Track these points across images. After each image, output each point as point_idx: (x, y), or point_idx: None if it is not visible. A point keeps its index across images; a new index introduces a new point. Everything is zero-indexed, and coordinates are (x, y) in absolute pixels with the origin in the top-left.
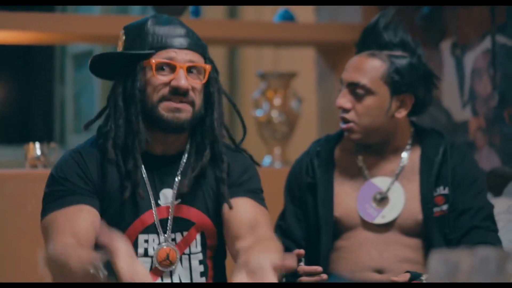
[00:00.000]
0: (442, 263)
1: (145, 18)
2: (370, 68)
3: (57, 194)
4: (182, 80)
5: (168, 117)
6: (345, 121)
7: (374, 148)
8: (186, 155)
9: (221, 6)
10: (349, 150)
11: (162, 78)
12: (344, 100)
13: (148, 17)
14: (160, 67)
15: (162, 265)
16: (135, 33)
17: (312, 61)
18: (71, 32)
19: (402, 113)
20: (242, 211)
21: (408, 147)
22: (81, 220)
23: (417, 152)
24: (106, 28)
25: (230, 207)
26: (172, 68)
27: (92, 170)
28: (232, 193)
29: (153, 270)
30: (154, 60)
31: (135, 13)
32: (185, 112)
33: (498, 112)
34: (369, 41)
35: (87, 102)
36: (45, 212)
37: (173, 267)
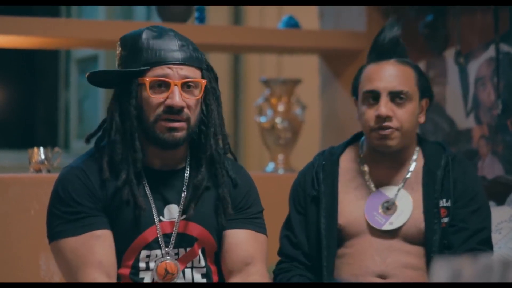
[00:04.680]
0: (445, 270)
1: (140, 30)
2: (407, 75)
3: (68, 218)
4: (176, 98)
5: (164, 137)
6: (386, 128)
7: (386, 157)
8: (188, 170)
9: (225, 12)
10: (354, 161)
11: (157, 96)
12: (387, 108)
13: (143, 29)
14: (154, 85)
15: (166, 280)
16: (130, 47)
17: (316, 68)
18: (76, 37)
19: (422, 118)
20: (240, 247)
21: (415, 157)
22: (102, 248)
23: (420, 163)
24: (110, 33)
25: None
26: (167, 86)
27: (97, 186)
28: (234, 220)
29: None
30: (148, 79)
31: (140, 19)
32: (181, 130)
33: (502, 120)
34: (390, 51)
35: (91, 107)
36: (57, 235)
37: (175, 279)
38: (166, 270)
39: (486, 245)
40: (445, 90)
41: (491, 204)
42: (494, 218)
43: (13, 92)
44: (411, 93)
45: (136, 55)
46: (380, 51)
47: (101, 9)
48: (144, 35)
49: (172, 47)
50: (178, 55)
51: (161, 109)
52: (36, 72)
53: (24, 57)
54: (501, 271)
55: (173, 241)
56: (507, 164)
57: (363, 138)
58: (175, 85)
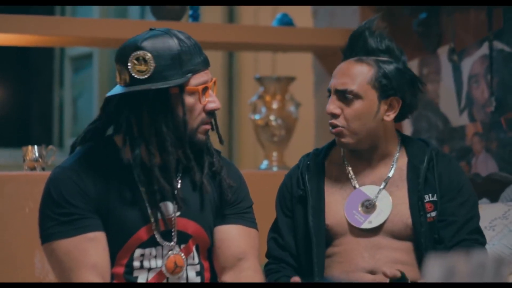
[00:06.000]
0: (438, 268)
1: (164, 36)
2: (358, 73)
3: (61, 219)
4: (217, 101)
5: (203, 140)
6: (334, 126)
7: (364, 157)
8: (180, 165)
9: (219, 10)
10: (338, 161)
11: (203, 102)
12: (334, 106)
13: (167, 36)
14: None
15: (175, 274)
16: (167, 58)
17: (310, 66)
18: (70, 35)
19: (390, 116)
20: (231, 243)
21: (396, 155)
22: (95, 251)
23: (404, 160)
24: (104, 31)
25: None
26: (205, 90)
27: (90, 186)
28: (225, 216)
29: (152, 280)
30: (200, 87)
31: (134, 17)
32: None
33: (495, 117)
34: (356, 48)
35: (85, 105)
36: (50, 237)
37: (183, 272)
38: (175, 264)
39: (476, 234)
40: (438, 87)
41: (485, 201)
42: (488, 215)
43: (8, 90)
44: (358, 92)
45: (177, 66)
46: (344, 49)
47: (95, 7)
48: (176, 42)
49: (198, 51)
50: (206, 58)
51: (203, 114)
52: (30, 70)
53: (19, 55)
54: (495, 268)
55: (175, 237)
56: (501, 161)
57: None
58: (210, 88)
